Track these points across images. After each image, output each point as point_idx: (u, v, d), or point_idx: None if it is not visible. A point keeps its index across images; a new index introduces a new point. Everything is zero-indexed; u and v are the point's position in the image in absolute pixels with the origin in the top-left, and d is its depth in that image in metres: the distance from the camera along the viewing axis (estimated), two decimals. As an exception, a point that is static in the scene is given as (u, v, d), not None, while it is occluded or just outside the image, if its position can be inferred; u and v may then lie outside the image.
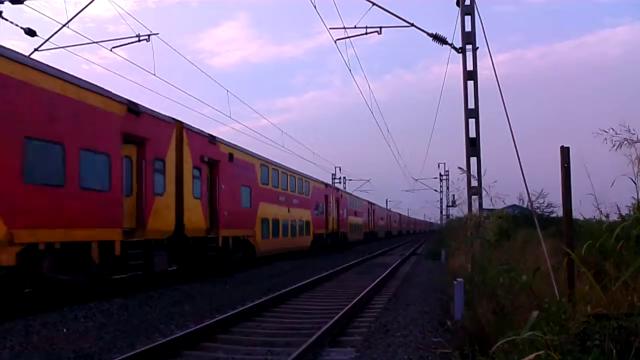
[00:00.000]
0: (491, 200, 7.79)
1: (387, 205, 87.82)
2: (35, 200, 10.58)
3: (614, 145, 5.20)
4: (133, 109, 13.89)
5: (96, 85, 12.74)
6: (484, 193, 8.29)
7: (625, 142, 5.14)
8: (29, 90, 10.60)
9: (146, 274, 14.60)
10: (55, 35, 16.26)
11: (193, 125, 17.38)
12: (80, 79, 12.22)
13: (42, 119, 10.94)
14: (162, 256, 15.15)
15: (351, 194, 52.00)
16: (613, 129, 5.26)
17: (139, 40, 17.18)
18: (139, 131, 14.16)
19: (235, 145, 20.99)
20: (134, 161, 14.18)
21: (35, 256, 10.65)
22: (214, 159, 18.64)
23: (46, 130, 11.03)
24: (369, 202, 59.57)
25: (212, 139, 18.62)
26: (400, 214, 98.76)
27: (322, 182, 37.50)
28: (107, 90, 13.10)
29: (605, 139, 5.23)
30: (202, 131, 18.11)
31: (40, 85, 10.89)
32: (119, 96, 13.48)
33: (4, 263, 9.80)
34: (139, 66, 17.71)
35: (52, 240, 11.01)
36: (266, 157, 25.09)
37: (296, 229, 29.33)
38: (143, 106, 14.48)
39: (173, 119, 16.26)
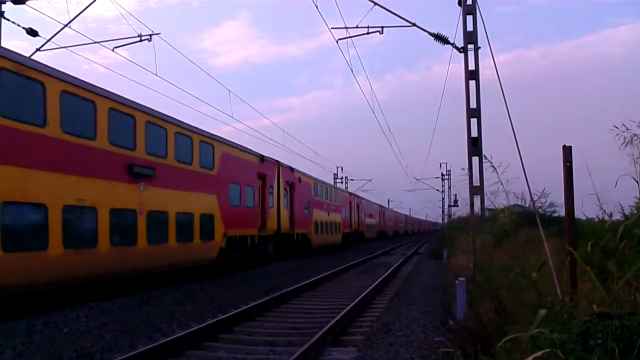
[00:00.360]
0: (506, 195, 7.82)
1: (389, 205, 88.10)
2: (231, 214, 19.89)
3: (624, 142, 5.20)
4: (262, 158, 23.76)
5: (247, 147, 22.31)
6: (500, 188, 8.25)
7: (636, 137, 5.13)
8: (231, 158, 20.47)
9: (264, 255, 24.04)
10: (57, 35, 16.30)
11: (282, 162, 26.99)
12: (241, 146, 21.67)
13: (233, 172, 20.45)
14: (271, 244, 24.92)
15: (367, 200, 57.70)
16: (624, 125, 5.27)
17: (141, 40, 17.21)
18: (264, 171, 23.93)
19: (301, 171, 30.63)
20: (260, 189, 23.52)
21: (229, 242, 19.85)
22: (292, 182, 28.72)
23: (234, 177, 20.51)
24: (380, 205, 67.26)
25: (291, 169, 28.60)
26: (406, 215, 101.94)
27: (347, 191, 49.51)
28: (251, 149, 22.70)
29: (617, 135, 5.23)
30: (287, 165, 28.07)
31: (232, 153, 20.56)
32: (256, 152, 23.26)
33: (222, 245, 19.17)
34: (140, 66, 17.84)
35: (236, 235, 20.52)
36: (316, 177, 35.04)
37: (333, 228, 38.62)
38: (266, 156, 24.25)
39: (276, 160, 26.20)
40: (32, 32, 15.46)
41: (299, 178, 29.95)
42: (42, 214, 10.94)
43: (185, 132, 17.00)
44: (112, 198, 13.11)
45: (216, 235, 18.64)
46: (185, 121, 17.15)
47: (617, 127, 5.34)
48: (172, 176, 15.96)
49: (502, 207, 10.87)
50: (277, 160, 26.21)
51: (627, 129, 5.27)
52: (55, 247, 11.12)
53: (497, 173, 7.84)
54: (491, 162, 7.91)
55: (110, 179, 13.15)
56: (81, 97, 12.36)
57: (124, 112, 13.94)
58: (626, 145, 5.27)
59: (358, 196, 52.28)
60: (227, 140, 20.39)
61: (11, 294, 10.27)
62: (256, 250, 22.81)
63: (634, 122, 5.27)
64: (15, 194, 10.38)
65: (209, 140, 18.65)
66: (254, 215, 22.52)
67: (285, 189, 27.33)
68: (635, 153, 5.25)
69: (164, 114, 15.93)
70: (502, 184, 7.89)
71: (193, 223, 17.03)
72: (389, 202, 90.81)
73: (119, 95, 13.78)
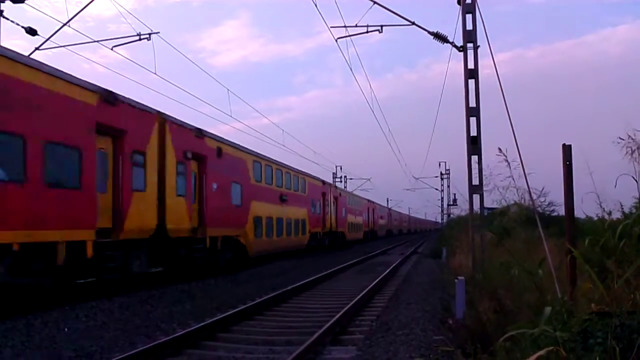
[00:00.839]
0: (517, 191, 7.83)
1: (387, 204, 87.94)
2: (314, 219, 33.84)
3: (629, 152, 5.25)
4: (323, 182, 34.22)
5: (317, 177, 33.87)
6: (512, 183, 8.25)
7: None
8: (311, 185, 33.60)
9: (326, 244, 36.39)
10: (56, 34, 16.24)
11: (329, 182, 37.04)
12: (315, 176, 33.17)
13: (313, 194, 32.70)
14: (327, 239, 37.40)
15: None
16: (630, 136, 5.31)
17: (140, 39, 17.21)
18: (324, 190, 35.35)
19: (342, 188, 36.86)
20: (321, 202, 34.72)
21: (311, 236, 33.26)
22: (336, 196, 40.34)
23: (313, 196, 32.17)
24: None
25: (336, 187, 38.64)
26: (400, 213, 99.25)
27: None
28: (318, 177, 33.75)
29: (624, 146, 5.27)
30: (334, 184, 43.14)
31: (312, 182, 33.30)
32: (320, 178, 34.19)
33: (308, 238, 32.33)
34: (140, 65, 17.75)
35: (314, 232, 33.64)
36: (351, 192, 37.49)
37: (357, 228, 39.45)
38: (325, 180, 35.76)
39: (330, 183, 34.36)
40: (31, 31, 15.45)
41: (340, 193, 42.14)
42: (271, 221, 25.62)
43: (296, 174, 30.35)
44: (275, 212, 26.21)
45: (306, 232, 31.43)
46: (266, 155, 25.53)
47: (622, 139, 5.41)
48: (292, 199, 28.97)
49: (513, 202, 10.85)
50: (330, 183, 39.24)
51: (632, 139, 5.32)
52: (281, 236, 26.95)
53: (510, 167, 7.81)
54: (505, 157, 7.88)
55: (274, 203, 26.12)
56: (264, 163, 25.13)
57: (279, 167, 27.57)
58: (632, 155, 5.32)
59: (337, 187, 47.50)
60: (310, 174, 33.48)
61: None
62: (322, 242, 35.64)
63: (638, 130, 5.32)
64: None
65: (302, 176, 31.43)
66: (321, 219, 35.34)
67: (333, 201, 38.88)
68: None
69: (290, 166, 29.69)
70: (513, 179, 7.88)
71: (298, 224, 29.89)
72: (388, 201, 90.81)
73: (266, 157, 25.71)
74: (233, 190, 20.78)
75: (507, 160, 7.80)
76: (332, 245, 38.46)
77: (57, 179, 11.46)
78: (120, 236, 13.21)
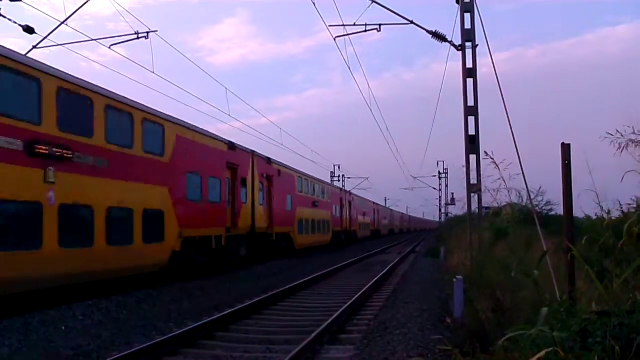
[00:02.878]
0: (508, 192, 7.80)
1: (385, 203, 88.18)
2: (335, 220, 41.15)
3: (619, 148, 5.22)
4: (341, 188, 44.99)
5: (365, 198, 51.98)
6: (502, 185, 8.20)
7: (631, 143, 5.15)
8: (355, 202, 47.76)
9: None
10: (54, 32, 16.19)
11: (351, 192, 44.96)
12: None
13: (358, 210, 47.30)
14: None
15: (360, 197, 56.61)
16: (618, 131, 5.28)
17: (138, 38, 17.12)
18: (343, 197, 43.53)
19: (381, 204, 41.17)
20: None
21: (335, 235, 40.47)
22: (350, 201, 44.64)
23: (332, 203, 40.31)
24: (374, 203, 65.94)
25: (375, 203, 51.28)
26: (402, 213, 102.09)
27: (338, 187, 48.67)
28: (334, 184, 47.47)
29: (612, 142, 5.24)
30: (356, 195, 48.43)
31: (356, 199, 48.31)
32: (372, 201, 58.75)
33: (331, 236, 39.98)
34: (138, 64, 17.72)
35: (337, 230, 41.72)
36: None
37: (320, 226, 37.15)
38: (346, 190, 47.23)
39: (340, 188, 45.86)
40: (29, 30, 15.36)
41: (352, 198, 47.18)
42: (308, 222, 32.35)
43: (322, 184, 37.27)
44: (311, 215, 33.06)
45: (330, 231, 36.88)
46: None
47: (611, 135, 5.37)
48: (321, 204, 35.46)
49: (505, 203, 10.82)
50: (345, 190, 47.10)
51: (622, 135, 5.30)
52: (315, 233, 34.06)
53: (499, 170, 7.77)
54: (493, 159, 7.84)
55: (310, 207, 32.97)
56: (304, 178, 32.12)
57: (312, 180, 34.65)
58: (622, 151, 5.30)
59: (350, 193, 52.20)
60: (331, 184, 38.83)
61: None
62: (340, 238, 41.97)
63: (629, 127, 5.29)
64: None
65: (326, 185, 37.29)
66: (339, 220, 42.38)
67: (347, 205, 44.97)
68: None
69: (319, 178, 36.95)
70: (504, 180, 7.85)
71: (324, 224, 36.73)
72: (385, 200, 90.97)
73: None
74: (287, 200, 28.41)
75: (495, 163, 7.76)
76: (347, 241, 45.01)
77: (212, 198, 18.50)
78: (235, 232, 20.34)
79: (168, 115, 15.92)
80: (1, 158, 9.81)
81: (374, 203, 65.33)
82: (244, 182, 21.56)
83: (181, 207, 16.08)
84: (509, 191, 7.97)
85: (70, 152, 11.43)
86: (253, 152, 23.31)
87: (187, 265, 16.58)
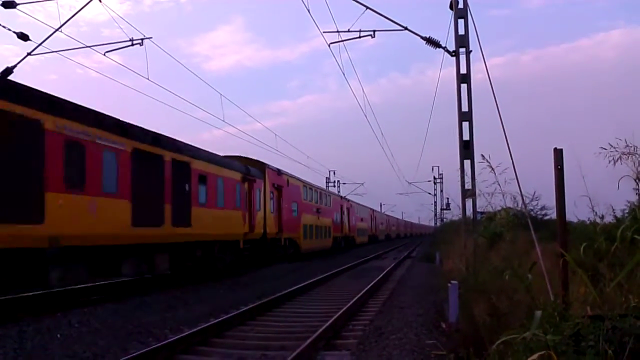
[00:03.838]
0: (503, 196, 7.79)
1: (381, 208, 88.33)
2: (336, 226, 42.46)
3: (612, 160, 5.30)
4: (342, 196, 47.78)
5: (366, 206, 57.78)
6: (497, 189, 8.20)
7: (624, 156, 5.22)
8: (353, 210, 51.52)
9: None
10: (49, 39, 16.16)
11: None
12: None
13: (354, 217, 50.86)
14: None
15: (358, 203, 57.83)
16: (611, 145, 5.35)
17: (132, 45, 17.10)
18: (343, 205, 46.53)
19: (399, 217, 48.96)
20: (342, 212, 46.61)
21: (335, 240, 42.51)
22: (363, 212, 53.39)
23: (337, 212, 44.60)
24: (371, 209, 67.62)
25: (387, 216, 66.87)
26: (397, 219, 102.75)
27: (338, 195, 51.67)
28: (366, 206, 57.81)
29: (606, 156, 5.32)
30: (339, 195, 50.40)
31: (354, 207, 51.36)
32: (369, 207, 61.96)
33: (332, 241, 41.72)
34: (132, 70, 17.75)
35: (338, 236, 43.84)
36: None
37: (323, 232, 39.27)
38: (345, 197, 49.54)
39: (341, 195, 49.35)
40: (23, 37, 15.33)
41: (351, 204, 49.90)
42: (312, 228, 34.47)
43: (324, 192, 38.78)
44: (314, 221, 34.84)
45: (331, 236, 39.75)
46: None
47: (604, 149, 5.46)
48: (323, 211, 37.37)
49: (500, 208, 10.85)
50: (345, 197, 48.10)
51: (615, 149, 5.37)
52: (318, 238, 36.00)
53: (495, 173, 7.77)
54: (489, 162, 7.84)
55: (313, 214, 35.02)
56: (308, 187, 34.78)
57: (316, 189, 37.29)
58: (615, 164, 5.36)
59: (349, 200, 53.13)
60: (333, 192, 43.46)
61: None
62: (339, 244, 43.75)
63: (621, 139, 5.37)
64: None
65: (328, 193, 40.71)
66: (339, 226, 43.97)
67: (346, 211, 47.32)
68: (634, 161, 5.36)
69: (322, 187, 40.34)
70: (499, 184, 7.85)
71: (326, 230, 38.57)
72: (381, 206, 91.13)
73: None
74: (293, 207, 30.48)
75: (490, 166, 7.76)
76: (346, 246, 47.16)
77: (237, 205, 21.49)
78: (251, 237, 22.60)
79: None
80: None
81: (371, 209, 66.76)
82: (258, 192, 24.24)
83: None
84: (503, 195, 7.96)
85: None
86: (265, 163, 25.73)
87: (221, 266, 19.89)
